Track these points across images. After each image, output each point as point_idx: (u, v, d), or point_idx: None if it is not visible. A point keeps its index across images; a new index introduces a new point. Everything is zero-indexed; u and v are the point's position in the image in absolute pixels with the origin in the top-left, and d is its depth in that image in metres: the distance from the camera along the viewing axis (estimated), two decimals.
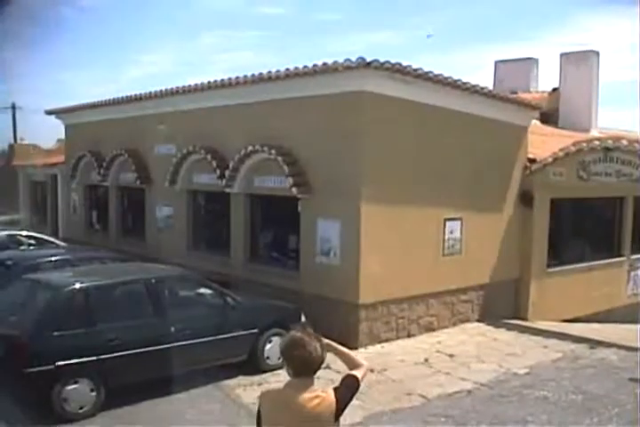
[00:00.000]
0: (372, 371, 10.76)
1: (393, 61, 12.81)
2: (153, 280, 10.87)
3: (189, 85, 16.54)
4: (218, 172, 15.74)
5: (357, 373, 4.34)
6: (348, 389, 4.23)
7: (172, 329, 10.37)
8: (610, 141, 16.06)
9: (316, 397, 4.11)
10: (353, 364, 4.42)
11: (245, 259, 15.88)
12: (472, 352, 13.31)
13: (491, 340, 14.43)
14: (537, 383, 11.23)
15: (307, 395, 4.11)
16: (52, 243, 19.35)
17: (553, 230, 16.96)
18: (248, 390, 10.67)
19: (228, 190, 15.63)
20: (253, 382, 11.07)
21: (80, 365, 9.39)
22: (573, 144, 16.44)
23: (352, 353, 4.53)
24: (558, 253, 17.48)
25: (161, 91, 17.60)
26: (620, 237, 19.57)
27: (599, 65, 24.32)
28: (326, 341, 4.34)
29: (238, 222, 15.94)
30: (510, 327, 15.52)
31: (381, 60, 12.60)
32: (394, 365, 12.20)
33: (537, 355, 13.26)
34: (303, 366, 4.17)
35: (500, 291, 16.18)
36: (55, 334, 9.45)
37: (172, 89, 17.19)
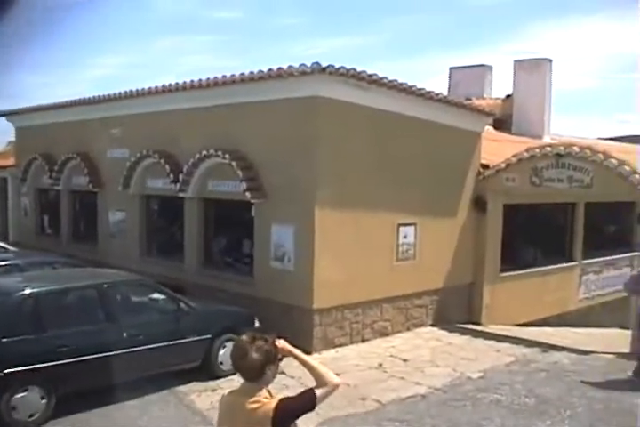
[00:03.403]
0: None
1: (348, 67, 12.83)
2: (105, 286, 10.73)
3: (143, 89, 16.42)
4: (172, 176, 15.65)
5: (319, 390, 4.18)
6: (298, 402, 4.16)
7: (125, 335, 10.25)
8: (562, 148, 16.21)
9: (257, 402, 4.09)
10: (320, 380, 4.23)
11: (199, 264, 15.79)
12: (426, 357, 13.35)
13: (445, 344, 14.48)
14: (490, 387, 11.29)
15: (249, 399, 4.11)
16: (2, 247, 19.04)
17: (506, 235, 17.08)
18: (202, 396, 10.61)
19: (181, 195, 15.54)
20: (207, 387, 11.01)
21: (30, 372, 9.21)
22: (526, 150, 16.58)
23: (323, 368, 4.30)
24: (511, 258, 17.61)
25: (115, 94, 17.43)
26: (572, 243, 19.77)
27: (552, 72, 24.64)
28: (295, 352, 4.29)
29: (192, 227, 15.85)
30: (464, 332, 15.60)
31: (336, 65, 12.60)
32: (348, 369, 12.18)
33: (490, 359, 13.33)
34: (246, 372, 4.16)
35: (454, 295, 16.27)
36: (4, 340, 9.27)
37: (126, 92, 17.03)
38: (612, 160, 15.35)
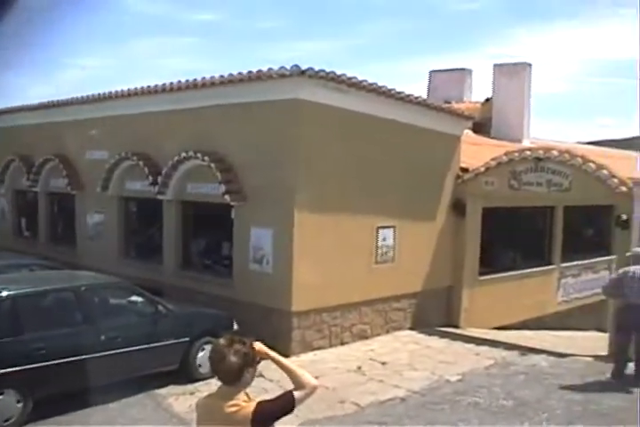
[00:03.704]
0: None
1: (327, 70, 12.84)
2: (83, 288, 10.66)
3: (123, 90, 16.35)
4: (150, 178, 15.59)
5: (298, 393, 4.17)
6: (276, 405, 4.14)
7: (103, 338, 10.19)
8: (541, 152, 16.24)
9: (236, 405, 4.07)
10: (298, 383, 4.21)
11: (178, 266, 15.74)
12: (405, 360, 13.35)
13: (423, 347, 14.49)
14: (469, 390, 11.30)
15: (228, 402, 4.09)
16: None
17: (485, 239, 17.12)
18: (180, 399, 10.56)
19: (160, 197, 15.48)
20: (185, 391, 10.96)
21: (6, 375, 9.14)
22: (505, 154, 16.60)
23: (300, 371, 4.29)
24: (490, 262, 17.66)
25: (94, 95, 17.36)
26: (551, 246, 19.85)
27: (531, 77, 24.74)
28: (273, 355, 4.28)
29: (171, 229, 15.80)
30: (443, 335, 15.61)
31: (316, 68, 12.61)
32: (327, 373, 12.17)
33: (469, 362, 13.34)
34: (224, 375, 4.15)
35: (433, 299, 16.29)
36: None
37: (105, 94, 16.96)
38: (591, 164, 15.40)
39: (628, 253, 12.41)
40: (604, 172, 15.22)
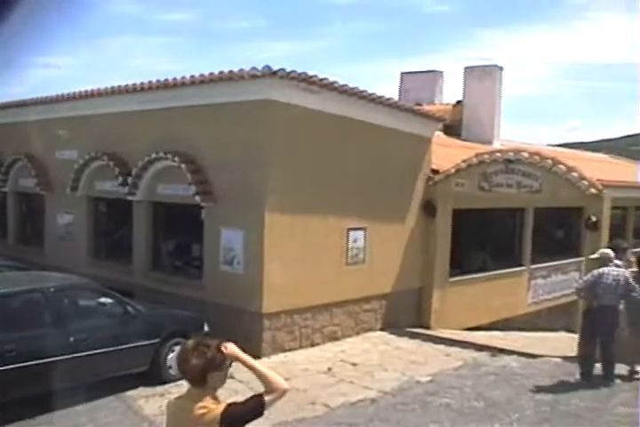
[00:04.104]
0: None
1: (299, 71, 12.83)
2: (52, 289, 10.53)
3: (93, 90, 16.24)
4: (120, 179, 15.50)
5: (267, 396, 4.13)
6: (245, 408, 4.10)
7: (72, 339, 10.07)
8: (511, 153, 16.31)
9: (204, 407, 4.04)
10: (268, 386, 4.16)
11: (148, 268, 15.66)
12: (375, 361, 13.36)
13: (394, 348, 14.51)
14: (440, 391, 11.32)
15: (196, 404, 4.06)
16: None
17: (455, 240, 17.18)
18: (150, 401, 10.48)
19: (130, 198, 15.40)
20: (155, 392, 10.87)
21: None
22: (476, 156, 16.66)
23: (270, 374, 4.24)
24: (461, 263, 17.73)
25: (64, 94, 17.24)
26: (521, 247, 19.98)
27: (502, 79, 24.87)
28: (242, 357, 4.22)
29: (141, 230, 15.72)
30: (413, 336, 15.64)
31: (287, 69, 12.60)
32: (297, 374, 12.16)
33: (439, 363, 13.38)
34: (190, 378, 4.13)
35: (404, 300, 16.32)
36: None
37: (75, 93, 16.84)
38: (561, 166, 15.48)
39: (593, 256, 12.48)
40: (574, 174, 15.31)
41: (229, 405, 4.10)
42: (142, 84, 14.78)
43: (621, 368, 12.17)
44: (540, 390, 11.44)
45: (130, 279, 15.32)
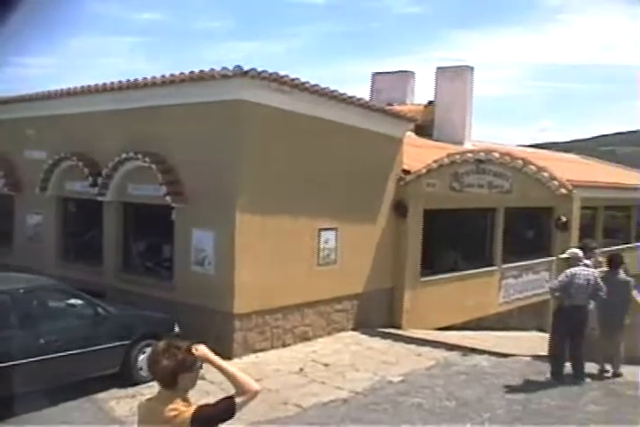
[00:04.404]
0: None
1: (270, 71, 12.80)
2: (21, 291, 10.45)
3: (62, 89, 16.13)
4: (90, 179, 15.39)
5: (238, 398, 4.09)
6: (216, 410, 4.07)
7: (42, 341, 10.00)
8: (482, 154, 16.37)
9: (175, 409, 4.02)
10: (240, 388, 4.12)
11: (119, 269, 15.57)
12: (347, 361, 13.36)
13: (365, 348, 14.52)
14: (411, 391, 11.34)
15: (167, 406, 4.03)
16: None
17: (427, 240, 17.21)
18: (121, 403, 10.41)
19: (100, 198, 15.29)
20: (127, 394, 10.81)
21: None
22: (447, 156, 16.71)
23: (242, 375, 4.19)
24: (432, 263, 17.76)
25: (34, 94, 17.09)
26: (492, 247, 20.04)
27: (473, 80, 24.96)
28: (213, 359, 4.18)
29: (111, 231, 15.62)
30: (385, 336, 15.64)
31: (259, 69, 12.57)
32: (269, 374, 12.13)
33: (411, 363, 13.40)
34: (160, 379, 4.11)
35: (375, 300, 16.33)
36: None
37: (45, 92, 16.71)
38: (532, 166, 15.56)
39: (562, 255, 12.54)
40: (545, 174, 15.40)
41: (200, 407, 4.08)
42: (112, 83, 14.70)
43: (592, 367, 12.27)
44: (511, 389, 11.50)
45: (100, 280, 15.22)
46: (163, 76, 13.69)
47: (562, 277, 11.90)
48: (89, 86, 15.34)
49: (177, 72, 13.50)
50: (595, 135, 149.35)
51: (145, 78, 14.08)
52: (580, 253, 12.11)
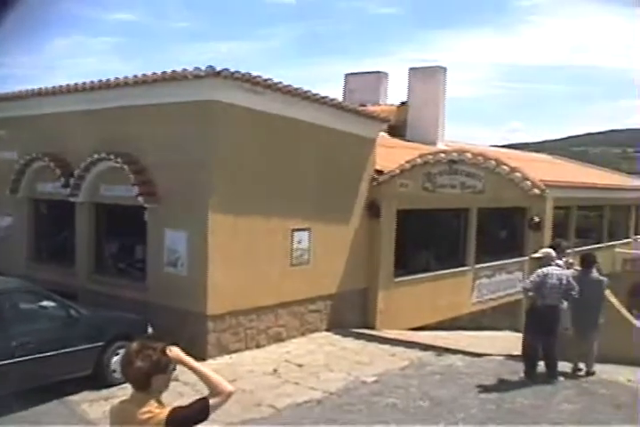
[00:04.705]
0: None
1: (243, 71, 12.78)
2: None
3: (34, 89, 15.98)
4: (62, 180, 15.29)
5: (212, 400, 4.06)
6: (190, 412, 4.03)
7: (14, 344, 9.90)
8: (455, 154, 16.44)
9: (148, 411, 3.98)
10: (213, 389, 4.09)
11: (91, 270, 15.47)
12: (321, 362, 13.35)
13: (339, 349, 14.51)
14: (385, 391, 11.33)
15: (140, 409, 3.99)
16: None
17: (400, 240, 17.23)
18: (94, 406, 10.33)
19: (72, 199, 15.19)
20: (100, 396, 10.72)
21: None
22: (419, 156, 16.76)
23: (215, 377, 4.16)
24: (405, 263, 17.78)
25: (3, 94, 16.89)
26: (465, 247, 20.08)
27: (446, 80, 25.05)
28: (187, 360, 4.15)
29: (83, 232, 15.52)
30: (358, 336, 15.65)
31: (232, 69, 12.55)
32: (243, 375, 12.10)
33: (385, 363, 13.40)
34: (133, 381, 4.07)
35: (349, 300, 16.34)
36: None
37: (15, 93, 16.55)
38: (504, 167, 15.64)
39: (535, 255, 12.60)
40: (517, 174, 15.48)
41: (174, 409, 4.03)
42: (84, 83, 14.61)
43: (565, 366, 12.32)
44: (485, 388, 11.52)
45: (72, 282, 15.12)
46: (135, 77, 13.62)
47: (534, 276, 11.94)
48: (60, 86, 15.24)
49: (150, 72, 13.44)
50: (566, 136, 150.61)
51: (117, 78, 14.00)
52: (553, 252, 12.16)
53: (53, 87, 15.43)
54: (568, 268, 12.41)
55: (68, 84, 15.05)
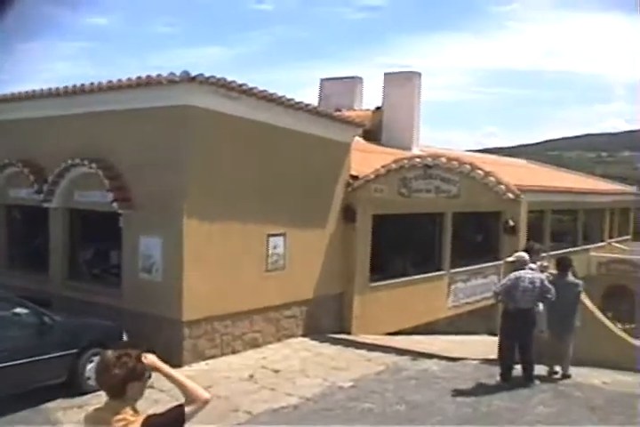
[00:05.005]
0: None
1: (218, 76, 12.76)
2: None
3: (6, 94, 15.84)
4: (36, 186, 15.19)
5: (188, 407, 4.02)
6: (165, 420, 4.00)
7: None
8: (430, 159, 16.50)
9: (123, 419, 3.93)
10: (189, 396, 4.05)
11: (65, 276, 15.36)
12: (297, 367, 13.33)
13: (315, 354, 14.50)
14: (362, 396, 11.33)
15: (115, 417, 3.94)
16: None
17: (376, 245, 17.23)
18: (68, 413, 10.27)
19: (46, 205, 15.10)
20: (74, 404, 10.65)
21: None
22: (395, 161, 16.80)
23: (191, 384, 4.13)
24: (381, 268, 17.78)
25: None
26: (441, 252, 20.11)
27: (421, 85, 25.13)
28: (162, 367, 4.12)
29: (57, 238, 15.42)
30: (334, 342, 15.64)
31: (207, 74, 12.52)
32: (219, 382, 12.06)
33: (361, 368, 13.39)
34: (108, 389, 4.03)
35: (325, 306, 16.33)
36: None
37: None
38: (479, 171, 15.71)
39: (509, 259, 12.64)
40: (492, 179, 15.55)
41: (149, 416, 4.00)
42: (58, 88, 14.53)
43: (541, 369, 12.36)
44: (461, 392, 11.53)
45: (46, 288, 14.99)
46: (109, 82, 13.55)
47: (505, 280, 11.99)
48: (34, 91, 15.13)
49: (124, 77, 13.39)
50: (541, 140, 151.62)
51: (92, 84, 13.92)
52: (526, 256, 12.20)
53: (27, 92, 15.31)
54: (542, 271, 12.44)
55: (41, 89, 14.96)
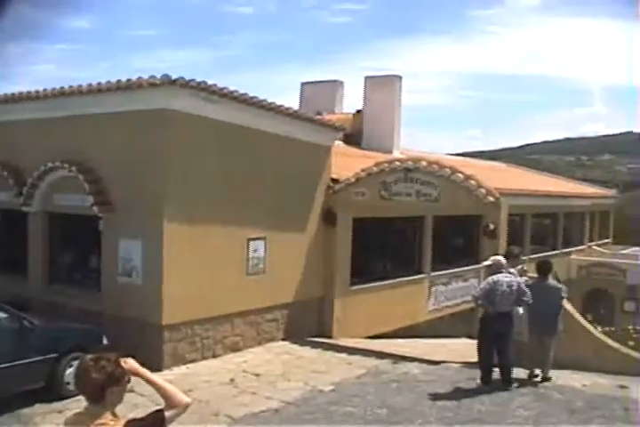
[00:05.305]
0: None
1: (199, 80, 12.75)
2: None
3: None
4: (16, 189, 15.11)
5: (168, 412, 4.01)
6: (146, 424, 3.98)
7: None
8: (410, 162, 16.50)
9: (103, 424, 3.90)
10: (171, 401, 4.04)
11: (45, 280, 15.28)
12: (278, 371, 13.31)
13: (296, 358, 14.49)
14: (342, 400, 11.31)
15: (95, 421, 3.91)
16: None
17: (356, 249, 17.25)
18: (47, 419, 10.18)
19: (25, 209, 15.01)
20: (53, 409, 10.57)
21: None
22: (375, 165, 16.80)
23: (171, 388, 4.11)
24: (362, 271, 17.79)
25: None
26: (421, 255, 20.16)
27: (401, 89, 25.20)
28: (142, 372, 4.09)
29: (37, 242, 15.34)
30: (315, 345, 15.64)
31: (187, 77, 12.50)
32: (199, 386, 12.02)
33: (342, 371, 13.39)
34: (87, 393, 3.98)
35: (305, 309, 16.32)
36: None
37: None
38: (459, 175, 15.72)
39: (485, 262, 12.67)
40: (472, 182, 15.56)
41: (129, 421, 3.98)
42: (38, 91, 14.46)
43: (522, 372, 12.39)
44: (442, 395, 11.54)
45: (25, 292, 14.89)
46: (90, 85, 13.51)
47: (483, 284, 12.01)
48: (14, 94, 15.07)
49: (104, 80, 13.35)
50: (522, 144, 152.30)
51: (72, 87, 13.88)
52: (503, 260, 12.23)
53: (6, 95, 15.24)
54: (521, 275, 12.48)
55: (21, 92, 14.90)
